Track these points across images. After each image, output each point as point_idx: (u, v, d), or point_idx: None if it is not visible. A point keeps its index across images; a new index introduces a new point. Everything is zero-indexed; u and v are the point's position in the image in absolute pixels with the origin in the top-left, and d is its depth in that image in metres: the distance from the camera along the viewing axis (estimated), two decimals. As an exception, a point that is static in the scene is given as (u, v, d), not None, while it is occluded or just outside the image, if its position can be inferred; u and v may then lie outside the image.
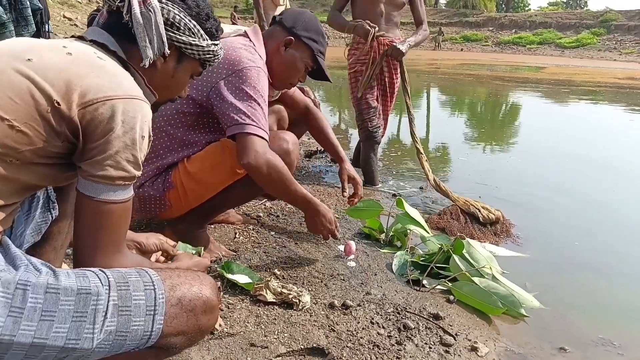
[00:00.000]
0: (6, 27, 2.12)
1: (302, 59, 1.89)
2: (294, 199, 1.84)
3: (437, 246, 2.05)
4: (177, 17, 1.05)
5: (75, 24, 11.89)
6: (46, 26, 2.33)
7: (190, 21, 1.08)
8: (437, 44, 35.21)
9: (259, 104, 1.68)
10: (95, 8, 1.15)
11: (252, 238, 2.18)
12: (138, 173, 0.96)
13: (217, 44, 1.15)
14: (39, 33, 2.29)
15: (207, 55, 1.13)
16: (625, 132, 6.54)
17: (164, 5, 1.04)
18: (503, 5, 52.15)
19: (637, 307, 2.03)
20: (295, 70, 1.91)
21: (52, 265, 0.89)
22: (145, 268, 0.94)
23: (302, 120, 2.36)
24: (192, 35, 1.08)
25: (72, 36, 1.04)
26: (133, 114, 0.92)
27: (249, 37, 1.85)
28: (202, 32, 1.10)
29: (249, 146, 1.62)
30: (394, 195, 3.10)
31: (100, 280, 0.87)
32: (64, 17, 12.32)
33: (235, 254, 1.99)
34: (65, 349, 0.82)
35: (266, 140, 1.68)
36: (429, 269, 1.93)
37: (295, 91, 2.28)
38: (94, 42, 1.01)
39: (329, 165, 3.81)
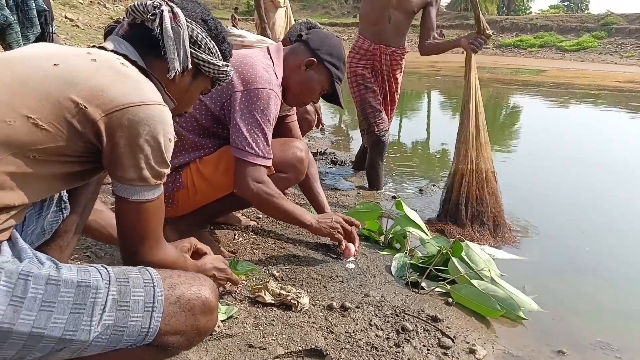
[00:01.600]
0: (12, 29, 2.13)
1: (319, 81, 1.91)
2: (290, 222, 1.97)
3: (436, 249, 2.05)
4: (200, 36, 1.12)
5: (76, 25, 11.91)
6: (50, 27, 2.34)
7: (210, 41, 1.14)
8: (438, 47, 35.19)
9: (263, 129, 1.74)
10: (115, 20, 1.19)
11: (252, 240, 2.18)
12: (168, 171, 1.02)
13: (228, 66, 1.21)
14: (43, 34, 2.29)
15: (220, 75, 1.19)
16: (625, 135, 6.53)
17: (189, 24, 1.10)
18: (504, 8, 52.17)
19: (636, 310, 2.03)
20: (310, 91, 1.93)
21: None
22: (147, 267, 0.97)
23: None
24: (211, 55, 1.15)
25: (94, 46, 1.08)
26: (159, 119, 0.96)
27: (270, 55, 1.87)
28: (218, 52, 1.17)
29: (243, 175, 1.73)
30: (394, 197, 3.10)
31: (100, 275, 0.90)
32: (66, 17, 12.32)
33: (234, 255, 2.00)
34: (63, 339, 0.84)
35: (265, 166, 1.76)
36: (428, 271, 1.94)
37: (296, 127, 2.24)
38: (114, 53, 1.05)
39: (328, 167, 3.81)
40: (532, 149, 5.24)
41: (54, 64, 0.92)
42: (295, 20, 4.98)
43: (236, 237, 2.19)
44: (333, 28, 38.75)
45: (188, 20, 1.10)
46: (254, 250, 2.07)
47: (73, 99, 0.89)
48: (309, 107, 2.65)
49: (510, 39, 37.09)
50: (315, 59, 1.87)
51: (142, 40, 1.08)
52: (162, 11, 1.05)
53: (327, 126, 5.72)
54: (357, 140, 5.03)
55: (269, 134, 1.77)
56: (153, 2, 1.07)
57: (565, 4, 64.59)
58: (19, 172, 0.87)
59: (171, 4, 1.09)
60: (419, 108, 8.91)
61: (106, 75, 0.94)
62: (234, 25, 22.20)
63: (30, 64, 0.93)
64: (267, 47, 1.93)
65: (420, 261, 2.04)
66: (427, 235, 2.24)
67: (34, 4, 2.20)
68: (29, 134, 0.87)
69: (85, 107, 0.90)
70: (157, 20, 1.05)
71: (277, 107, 1.80)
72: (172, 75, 1.08)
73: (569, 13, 47.95)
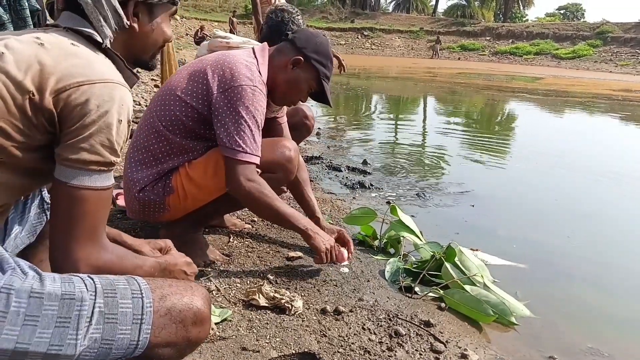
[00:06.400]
0: (6, 28, 2.12)
1: (307, 80, 1.90)
2: (284, 224, 1.87)
3: (430, 254, 2.06)
4: None
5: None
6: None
7: None
8: (434, 53, 35.42)
9: (249, 126, 1.71)
10: None
11: (246, 243, 2.19)
12: (114, 159, 0.93)
13: None
14: (37, 35, 2.29)
15: None
16: (621, 143, 6.58)
17: None
18: (500, 16, 52.48)
19: (627, 318, 2.05)
20: (298, 90, 1.93)
21: (41, 268, 0.89)
22: (135, 276, 0.93)
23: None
24: None
25: (47, 25, 1.02)
26: (109, 97, 0.90)
27: (254, 54, 1.87)
28: None
29: (234, 173, 1.70)
30: (388, 202, 3.11)
31: (86, 285, 0.86)
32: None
33: (228, 258, 2.00)
34: (49, 355, 0.81)
35: (254, 163, 1.73)
36: (421, 276, 1.95)
37: (285, 128, 2.26)
38: (68, 29, 0.99)
39: (325, 171, 3.82)
40: (528, 157, 5.27)
41: (1, 53, 0.88)
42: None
43: (231, 240, 2.20)
44: (330, 33, 38.87)
45: None
46: (249, 254, 2.07)
47: (21, 87, 0.86)
48: (308, 113, 2.65)
49: (507, 46, 37.34)
50: (302, 58, 1.86)
51: (79, 8, 1.00)
52: None
53: (323, 130, 5.73)
54: (353, 144, 5.05)
55: (256, 131, 1.74)
56: None
57: (562, 12, 65.07)
58: None
59: None
60: (414, 113, 8.94)
61: (54, 57, 0.89)
62: (231, 30, 22.20)
63: None
64: (253, 48, 1.92)
65: (414, 266, 2.06)
66: (421, 240, 2.25)
67: (26, 4, 2.19)
68: None
69: (33, 94, 0.86)
70: None
71: (262, 103, 1.77)
72: (107, 44, 1.00)
73: (565, 21, 48.27)
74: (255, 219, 2.48)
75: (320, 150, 4.49)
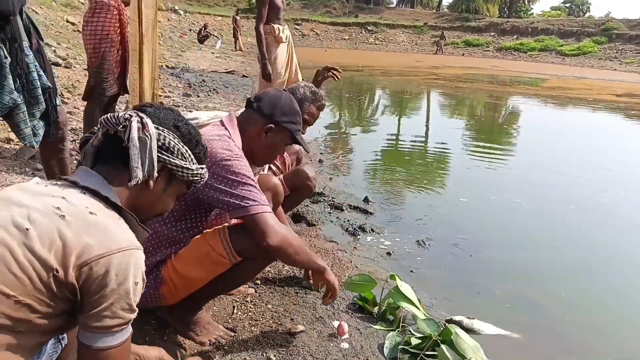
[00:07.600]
0: (20, 109, 2.19)
1: (282, 140, 2.01)
2: (308, 265, 1.97)
3: (427, 330, 2.14)
4: (172, 142, 1.15)
5: (78, 30, 11.90)
6: (54, 100, 2.40)
7: (183, 146, 1.18)
8: (438, 48, 35.26)
9: (251, 185, 1.77)
10: (90, 130, 1.23)
11: (250, 314, 2.26)
12: (134, 316, 1.04)
13: (203, 168, 1.25)
14: (48, 109, 2.36)
15: (195, 178, 1.23)
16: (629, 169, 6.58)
17: (160, 132, 1.13)
18: (506, 9, 52.08)
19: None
20: (277, 151, 2.06)
21: None
22: None
23: None
24: (184, 159, 1.18)
25: (66, 179, 1.10)
26: (126, 265, 1.00)
27: (224, 125, 1.93)
28: (192, 156, 1.20)
29: (264, 227, 1.72)
30: (388, 253, 3.17)
31: None
32: (67, 21, 12.30)
33: (234, 334, 2.07)
34: None
35: (269, 212, 1.78)
36: (419, 358, 2.02)
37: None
38: (85, 189, 1.07)
39: (327, 211, 3.85)
40: (530, 192, 5.26)
41: (26, 229, 0.95)
42: (295, 57, 5.03)
43: (235, 310, 2.27)
44: (334, 27, 38.70)
45: (160, 128, 1.13)
46: (252, 328, 2.14)
47: (46, 264, 0.94)
48: (310, 174, 2.70)
49: (511, 42, 37.13)
50: (273, 125, 1.94)
51: (112, 152, 1.12)
52: (131, 122, 1.09)
53: (325, 158, 5.74)
54: (355, 173, 5.06)
55: (257, 187, 1.79)
56: (125, 114, 1.10)
57: (567, 5, 64.47)
58: (12, 343, 0.93)
59: (142, 114, 1.12)
60: (418, 125, 8.95)
61: (74, 231, 0.97)
62: (235, 28, 22.03)
63: (2, 235, 0.95)
64: (221, 120, 1.98)
65: (411, 346, 2.12)
66: (419, 309, 2.32)
67: (39, 83, 2.27)
68: (13, 312, 0.92)
69: (57, 270, 0.94)
70: (127, 131, 1.09)
71: (248, 166, 1.82)
72: (132, 184, 1.10)
73: (570, 17, 47.88)
74: (259, 282, 2.55)
75: (322, 183, 4.50)
